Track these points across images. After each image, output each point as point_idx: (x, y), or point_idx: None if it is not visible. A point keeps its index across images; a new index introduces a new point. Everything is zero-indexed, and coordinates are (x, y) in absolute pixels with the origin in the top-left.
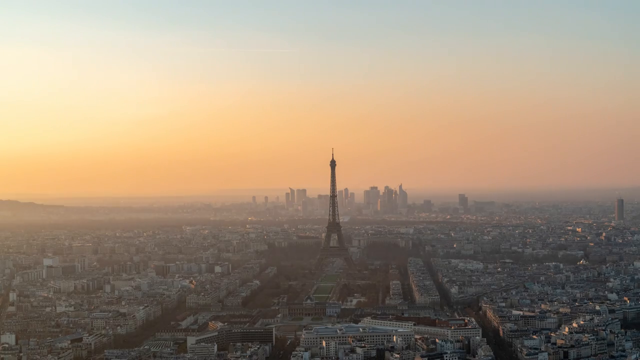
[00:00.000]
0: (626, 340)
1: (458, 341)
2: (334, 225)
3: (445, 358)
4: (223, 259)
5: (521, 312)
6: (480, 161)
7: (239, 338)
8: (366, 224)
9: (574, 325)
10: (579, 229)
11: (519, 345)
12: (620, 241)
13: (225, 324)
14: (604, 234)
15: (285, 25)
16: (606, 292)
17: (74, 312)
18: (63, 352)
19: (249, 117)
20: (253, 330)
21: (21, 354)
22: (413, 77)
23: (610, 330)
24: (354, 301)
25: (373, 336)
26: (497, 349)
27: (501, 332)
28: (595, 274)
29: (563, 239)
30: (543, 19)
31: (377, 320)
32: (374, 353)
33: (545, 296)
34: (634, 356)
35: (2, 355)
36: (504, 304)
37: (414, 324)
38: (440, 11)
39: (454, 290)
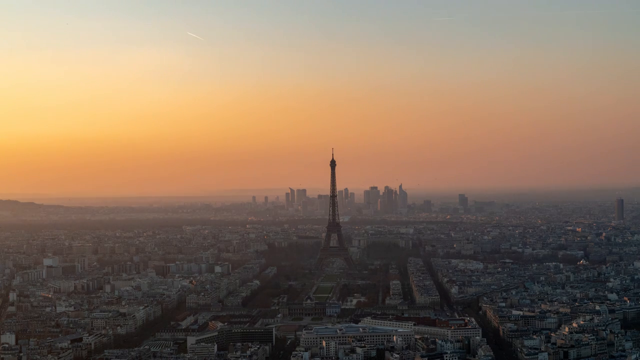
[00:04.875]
0: (626, 340)
1: (458, 341)
2: (334, 225)
3: (445, 358)
4: (223, 259)
5: (521, 312)
6: (480, 161)
7: (239, 338)
8: (366, 224)
9: (574, 325)
10: (579, 229)
11: (519, 345)
12: (620, 241)
13: (225, 324)
14: (604, 234)
15: (286, 24)
16: (606, 292)
17: (74, 312)
18: (63, 352)
19: (249, 117)
20: (253, 330)
21: (21, 354)
22: (413, 77)
23: (610, 330)
24: (354, 301)
25: (373, 336)
26: (497, 349)
27: (501, 332)
28: (595, 274)
29: (563, 239)
30: (543, 19)
31: (377, 320)
32: (374, 353)
33: (545, 296)
34: (634, 356)
35: (2, 355)
36: (504, 304)
37: (414, 324)
38: (442, 10)
39: (454, 290)
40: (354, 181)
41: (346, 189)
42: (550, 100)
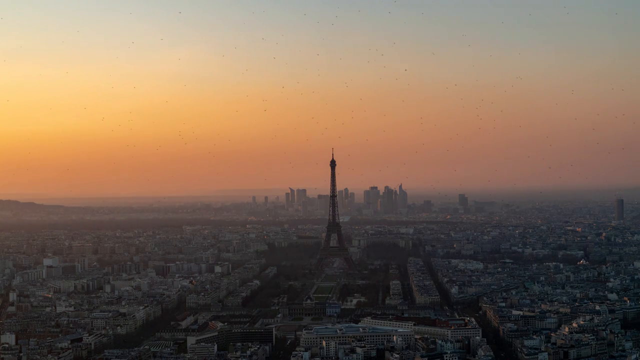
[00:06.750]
0: (626, 340)
1: (458, 341)
2: (334, 225)
3: (445, 358)
4: (223, 259)
5: (521, 312)
6: (480, 161)
7: (239, 338)
8: (366, 224)
9: (574, 325)
10: (579, 229)
11: (519, 345)
12: (620, 241)
13: (225, 324)
14: (604, 234)
15: (285, 25)
16: (606, 292)
17: (74, 312)
18: (63, 352)
19: (249, 117)
20: (253, 330)
21: (21, 354)
22: (414, 77)
23: (610, 330)
24: (354, 301)
25: (373, 336)
26: (497, 349)
27: (501, 332)
28: (595, 274)
29: (563, 239)
30: (544, 19)
31: (377, 320)
32: (374, 353)
33: (545, 296)
34: (634, 356)
35: (2, 355)
36: (504, 304)
37: (414, 324)
38: (444, 8)
39: (454, 290)
40: (354, 181)
41: (346, 189)
42: (550, 100)
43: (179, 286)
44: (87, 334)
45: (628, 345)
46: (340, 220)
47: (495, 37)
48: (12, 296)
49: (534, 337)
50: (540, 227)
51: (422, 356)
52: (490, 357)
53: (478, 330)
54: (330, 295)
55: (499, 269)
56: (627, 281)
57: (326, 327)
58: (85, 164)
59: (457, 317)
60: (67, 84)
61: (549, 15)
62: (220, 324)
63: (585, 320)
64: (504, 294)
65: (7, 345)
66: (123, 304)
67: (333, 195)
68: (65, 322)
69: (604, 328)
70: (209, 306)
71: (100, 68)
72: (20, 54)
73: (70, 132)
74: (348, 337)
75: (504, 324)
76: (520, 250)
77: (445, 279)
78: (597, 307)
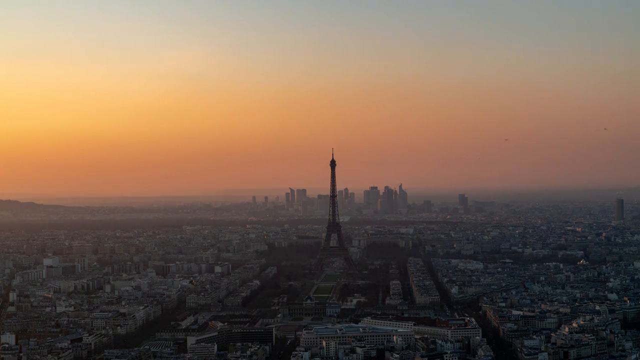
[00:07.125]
0: (626, 340)
1: (458, 341)
2: (334, 225)
3: (445, 358)
4: (223, 259)
5: (521, 312)
6: (480, 161)
7: (239, 338)
8: (366, 224)
9: (574, 325)
10: (579, 229)
11: (519, 345)
12: (620, 241)
13: (225, 324)
14: (604, 234)
15: (285, 24)
16: (606, 292)
17: (74, 312)
18: (63, 352)
19: (249, 117)
20: (253, 330)
21: (21, 354)
22: (414, 77)
23: (610, 330)
24: (354, 301)
25: (373, 336)
26: (497, 349)
27: (501, 332)
28: (595, 274)
29: (563, 239)
30: (544, 18)
31: (377, 320)
32: (374, 353)
33: (545, 296)
34: (634, 356)
35: (2, 355)
36: (504, 304)
37: (414, 324)
38: (444, 8)
39: (454, 290)
40: (354, 181)
41: (346, 189)
42: (550, 100)
43: (179, 286)
44: (87, 334)
45: (628, 345)
46: (340, 220)
47: (497, 37)
48: (12, 296)
49: (534, 337)
50: (540, 227)
51: (422, 356)
52: (490, 357)
53: (478, 330)
54: (330, 295)
55: (499, 269)
56: (627, 281)
57: (326, 327)
58: (85, 164)
59: (457, 317)
60: (67, 84)
61: (548, 14)
62: (220, 324)
63: (585, 320)
64: (504, 294)
65: (7, 345)
66: (123, 304)
67: (333, 195)
68: (65, 322)
69: (604, 328)
70: (209, 306)
71: (102, 68)
72: (21, 53)
73: (70, 131)
74: (348, 337)
75: (504, 324)
76: (520, 250)
77: (445, 279)
78: (597, 307)
